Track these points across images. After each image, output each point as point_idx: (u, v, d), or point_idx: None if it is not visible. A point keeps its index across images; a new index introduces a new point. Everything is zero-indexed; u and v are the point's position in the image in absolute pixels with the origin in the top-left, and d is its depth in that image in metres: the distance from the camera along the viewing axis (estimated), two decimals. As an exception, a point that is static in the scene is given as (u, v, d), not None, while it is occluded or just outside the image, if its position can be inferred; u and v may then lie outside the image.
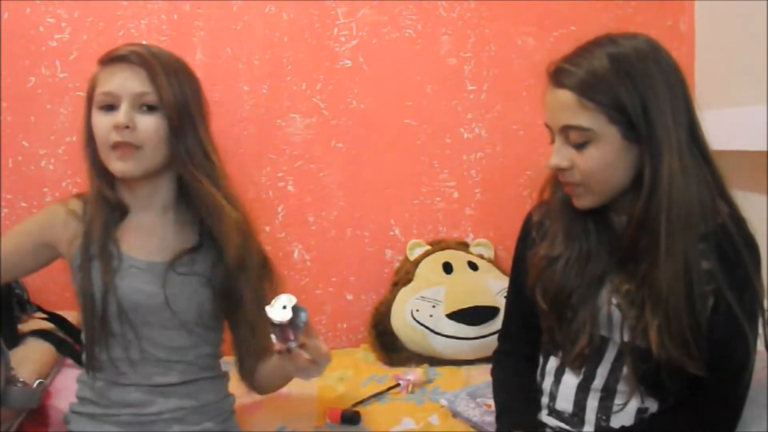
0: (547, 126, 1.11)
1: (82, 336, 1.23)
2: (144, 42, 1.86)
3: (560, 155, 1.07)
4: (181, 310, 1.20)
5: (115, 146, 1.15)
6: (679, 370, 1.05)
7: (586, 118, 1.03)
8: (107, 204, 1.22)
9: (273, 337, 1.00)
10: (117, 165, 1.17)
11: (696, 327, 1.04)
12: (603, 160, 1.04)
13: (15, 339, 1.49)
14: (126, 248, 1.21)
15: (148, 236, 1.23)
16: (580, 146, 1.05)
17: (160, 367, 1.21)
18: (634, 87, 1.01)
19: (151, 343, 1.20)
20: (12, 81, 1.85)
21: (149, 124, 1.16)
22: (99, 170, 1.21)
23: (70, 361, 1.60)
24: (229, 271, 1.20)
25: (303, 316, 0.99)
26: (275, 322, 0.97)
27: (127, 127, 1.14)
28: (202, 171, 1.20)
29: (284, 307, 0.97)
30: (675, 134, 1.02)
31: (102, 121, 1.16)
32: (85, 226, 1.21)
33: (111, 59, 1.19)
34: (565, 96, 1.04)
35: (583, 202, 1.11)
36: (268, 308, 0.98)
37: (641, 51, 1.04)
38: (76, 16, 1.86)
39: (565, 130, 1.06)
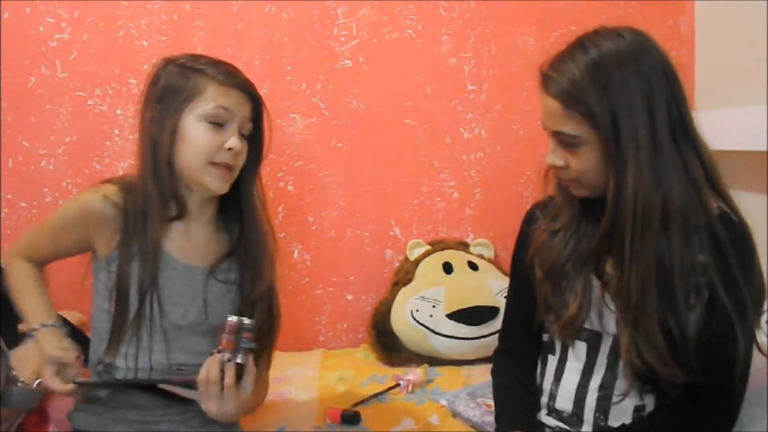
0: (543, 126, 1.14)
1: (99, 325, 1.23)
2: (144, 42, 1.87)
3: (555, 155, 1.12)
4: (215, 316, 1.23)
5: (219, 165, 1.20)
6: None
7: (572, 126, 1.06)
8: (165, 205, 1.21)
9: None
10: (214, 183, 1.21)
11: (677, 330, 1.05)
12: (593, 163, 1.07)
13: (15, 339, 1.48)
14: (167, 250, 1.22)
15: (191, 242, 1.25)
16: (571, 147, 1.09)
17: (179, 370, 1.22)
18: (606, 97, 1.03)
19: (176, 347, 1.21)
20: (12, 81, 1.85)
21: (245, 152, 1.24)
22: (170, 173, 1.20)
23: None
24: (255, 291, 1.26)
25: (249, 340, 1.12)
26: (230, 322, 1.11)
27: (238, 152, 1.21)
28: (254, 191, 1.29)
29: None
30: (648, 138, 1.03)
31: (211, 137, 1.19)
32: (123, 219, 1.20)
33: (230, 83, 1.21)
34: (552, 104, 1.08)
35: (579, 192, 1.15)
36: (230, 315, 1.12)
37: (622, 55, 1.04)
38: (76, 16, 1.86)
39: (556, 134, 1.10)
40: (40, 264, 1.28)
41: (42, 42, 1.85)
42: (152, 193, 1.19)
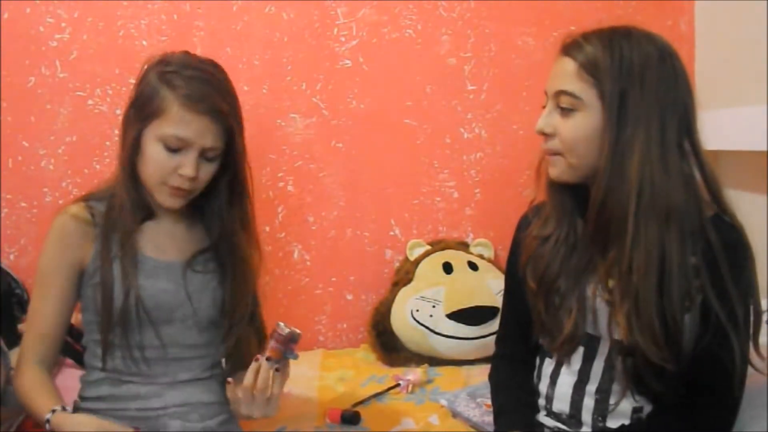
0: (545, 93, 1.15)
1: (90, 337, 1.24)
2: (144, 42, 1.87)
3: (545, 120, 1.13)
4: (201, 307, 1.24)
5: (172, 187, 1.17)
6: (664, 368, 1.06)
7: (579, 87, 1.08)
8: (135, 207, 1.22)
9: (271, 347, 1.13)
10: (167, 200, 1.20)
11: (671, 318, 1.05)
12: (584, 131, 1.08)
13: (15, 339, 1.48)
14: (146, 249, 1.23)
15: (165, 238, 1.26)
16: (566, 113, 1.10)
17: (175, 364, 1.23)
18: (621, 77, 1.06)
19: (169, 341, 1.22)
20: (12, 81, 1.85)
21: (208, 172, 1.20)
22: (134, 177, 1.20)
23: (70, 361, 1.60)
24: (236, 304, 1.26)
25: (294, 351, 1.14)
26: (282, 332, 1.11)
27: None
28: (229, 210, 1.26)
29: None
30: (659, 134, 1.05)
31: (165, 161, 1.16)
32: (99, 229, 1.21)
33: (195, 109, 1.15)
34: (569, 64, 1.10)
35: (558, 170, 1.14)
36: (279, 323, 1.13)
37: (649, 51, 1.07)
38: (76, 16, 1.86)
39: (558, 94, 1.11)
40: (48, 356, 1.22)
41: (42, 42, 1.85)
42: (123, 195, 1.20)
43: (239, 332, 1.27)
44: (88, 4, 1.86)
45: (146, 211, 1.24)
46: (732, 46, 1.85)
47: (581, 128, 1.08)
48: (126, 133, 1.21)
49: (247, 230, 1.30)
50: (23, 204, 1.88)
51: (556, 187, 1.18)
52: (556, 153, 1.12)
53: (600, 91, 1.06)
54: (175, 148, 1.15)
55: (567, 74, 1.09)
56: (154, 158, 1.16)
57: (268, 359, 1.12)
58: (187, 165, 1.16)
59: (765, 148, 1.53)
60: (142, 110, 1.18)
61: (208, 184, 1.23)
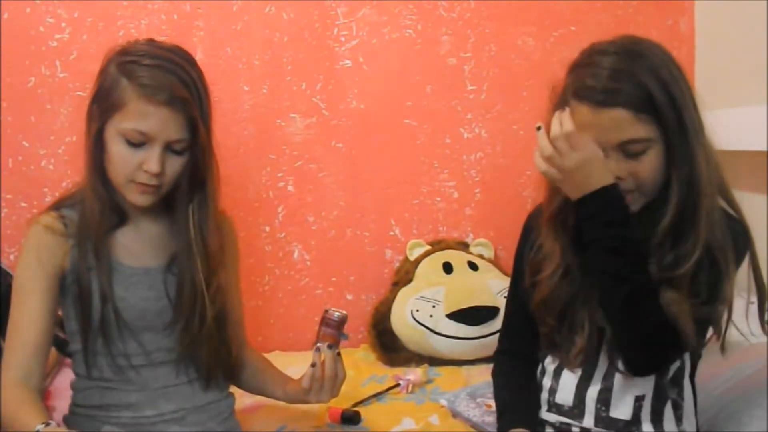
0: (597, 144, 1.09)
1: (74, 347, 1.22)
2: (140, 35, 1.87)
3: (620, 170, 1.08)
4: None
5: (139, 183, 1.14)
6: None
7: (643, 130, 1.06)
8: (109, 212, 1.18)
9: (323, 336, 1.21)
10: (136, 198, 1.15)
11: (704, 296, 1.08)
12: (658, 163, 1.09)
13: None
14: (122, 257, 1.20)
15: (143, 242, 1.23)
16: (639, 154, 1.08)
17: (163, 369, 1.22)
18: (668, 92, 1.06)
19: (153, 348, 1.21)
20: (12, 81, 1.85)
21: (176, 166, 1.16)
22: (102, 177, 1.16)
23: (70, 361, 1.60)
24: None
25: (344, 332, 1.23)
26: (332, 317, 1.20)
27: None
28: (194, 207, 1.21)
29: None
30: (699, 122, 1.09)
31: (128, 157, 1.12)
32: (73, 240, 1.17)
33: (155, 100, 1.09)
34: (620, 114, 1.05)
35: (637, 204, 1.12)
36: (328, 309, 1.22)
37: (663, 57, 1.09)
38: (76, 16, 1.86)
39: (624, 145, 1.07)
40: (35, 372, 1.15)
41: (42, 42, 1.85)
42: (92, 198, 1.16)
43: (196, 330, 1.20)
44: (88, 4, 1.86)
45: (119, 214, 1.20)
46: (732, 46, 1.85)
47: (656, 161, 1.08)
48: (89, 129, 1.16)
49: (210, 224, 1.22)
50: (23, 204, 1.88)
51: (560, 221, 1.17)
52: (631, 191, 1.10)
53: (662, 122, 1.06)
54: (137, 142, 1.11)
55: (624, 125, 1.05)
56: (117, 155, 1.12)
57: (329, 347, 1.18)
58: (150, 160, 1.11)
59: (765, 148, 1.53)
60: (102, 104, 1.14)
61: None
